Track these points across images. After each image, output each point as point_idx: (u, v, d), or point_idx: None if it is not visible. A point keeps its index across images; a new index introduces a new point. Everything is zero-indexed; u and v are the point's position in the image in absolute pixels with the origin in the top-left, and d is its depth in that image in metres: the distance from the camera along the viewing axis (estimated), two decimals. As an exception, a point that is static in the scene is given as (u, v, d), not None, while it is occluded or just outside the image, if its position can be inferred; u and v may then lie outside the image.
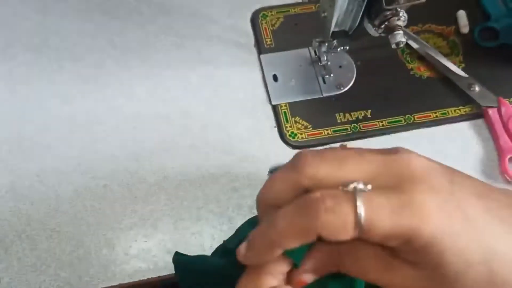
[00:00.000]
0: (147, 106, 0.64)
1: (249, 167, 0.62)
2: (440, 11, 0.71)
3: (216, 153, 0.62)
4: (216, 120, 0.64)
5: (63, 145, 0.61)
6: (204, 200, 0.60)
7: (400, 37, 0.50)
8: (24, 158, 0.60)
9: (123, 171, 0.61)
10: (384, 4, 0.48)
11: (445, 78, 0.67)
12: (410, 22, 0.53)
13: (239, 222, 0.59)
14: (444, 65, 0.67)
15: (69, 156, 0.61)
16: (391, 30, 0.50)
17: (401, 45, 0.50)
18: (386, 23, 0.50)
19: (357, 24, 0.53)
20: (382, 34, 0.52)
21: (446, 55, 0.68)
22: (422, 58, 0.68)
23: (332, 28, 0.56)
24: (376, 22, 0.51)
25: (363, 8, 0.50)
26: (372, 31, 0.53)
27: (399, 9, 0.49)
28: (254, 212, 0.59)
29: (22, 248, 0.56)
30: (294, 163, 0.27)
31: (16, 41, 0.67)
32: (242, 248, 0.28)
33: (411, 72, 0.68)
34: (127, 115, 0.64)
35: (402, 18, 0.50)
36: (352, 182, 0.25)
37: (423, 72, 0.68)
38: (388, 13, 0.50)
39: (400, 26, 0.50)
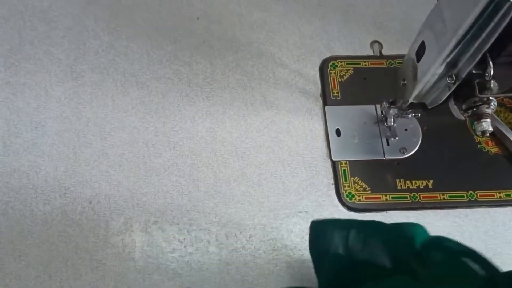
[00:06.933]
0: (206, 145, 0.63)
1: (302, 223, 0.60)
2: (515, 85, 0.69)
3: (270, 203, 0.61)
4: (273, 168, 0.63)
5: (119, 173, 0.61)
6: (251, 252, 0.59)
7: (487, 125, 0.48)
8: (78, 182, 0.60)
9: (174, 209, 0.60)
10: (477, 92, 0.46)
11: (513, 157, 0.65)
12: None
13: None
14: (513, 143, 0.64)
15: (122, 194, 0.60)
16: (478, 117, 0.48)
17: (487, 134, 0.48)
18: (474, 109, 0.48)
19: (440, 102, 0.51)
20: (467, 118, 0.50)
21: (517, 133, 0.66)
22: (491, 132, 0.66)
23: (411, 100, 0.54)
24: (464, 106, 0.49)
25: (451, 89, 0.48)
26: (456, 112, 0.51)
27: (491, 98, 0.47)
28: (304, 274, 0.58)
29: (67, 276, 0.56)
30: None
31: (84, 59, 0.67)
32: None
33: (479, 146, 0.66)
34: (185, 151, 0.63)
35: (492, 106, 0.48)
36: None
37: (491, 147, 0.65)
38: (478, 99, 0.48)
39: (489, 114, 0.48)
